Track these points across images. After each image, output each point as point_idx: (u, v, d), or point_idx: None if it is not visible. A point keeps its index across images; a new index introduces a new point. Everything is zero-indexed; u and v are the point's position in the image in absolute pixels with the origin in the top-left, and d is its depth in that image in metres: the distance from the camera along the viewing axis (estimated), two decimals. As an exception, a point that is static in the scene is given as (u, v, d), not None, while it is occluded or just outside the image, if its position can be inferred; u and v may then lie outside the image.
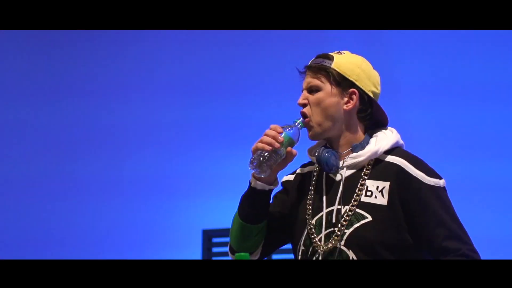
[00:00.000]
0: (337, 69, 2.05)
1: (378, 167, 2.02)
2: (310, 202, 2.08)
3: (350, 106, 2.06)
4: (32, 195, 5.10)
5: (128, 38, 5.07)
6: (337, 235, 1.99)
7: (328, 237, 2.01)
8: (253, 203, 2.07)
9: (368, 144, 2.05)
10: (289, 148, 2.02)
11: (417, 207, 1.98)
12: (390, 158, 2.03)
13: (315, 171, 2.11)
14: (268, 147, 2.01)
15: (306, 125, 2.07)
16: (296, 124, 2.05)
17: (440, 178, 2.02)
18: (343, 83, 2.05)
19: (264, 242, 2.12)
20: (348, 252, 1.98)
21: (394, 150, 2.05)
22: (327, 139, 2.09)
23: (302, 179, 2.15)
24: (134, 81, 5.18)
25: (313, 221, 2.04)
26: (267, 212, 2.09)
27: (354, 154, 2.04)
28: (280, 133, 2.02)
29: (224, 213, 4.97)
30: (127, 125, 5.15)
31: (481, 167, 4.43)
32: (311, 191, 2.09)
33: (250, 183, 2.09)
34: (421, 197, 1.98)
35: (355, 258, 1.97)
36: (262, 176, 2.04)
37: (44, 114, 5.17)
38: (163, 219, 5.04)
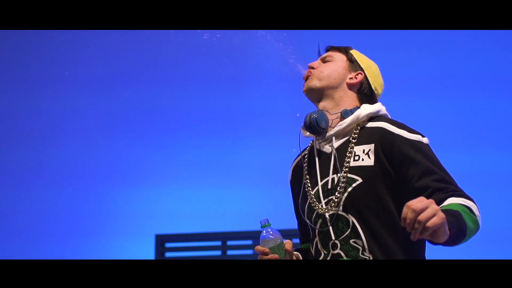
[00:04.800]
0: (354, 55, 2.34)
1: (363, 133, 2.20)
2: (307, 177, 2.26)
3: (352, 82, 2.30)
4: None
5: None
6: (334, 202, 2.14)
7: (327, 205, 2.17)
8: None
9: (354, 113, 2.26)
10: (286, 248, 2.16)
11: (403, 160, 2.11)
12: (373, 124, 2.21)
13: (306, 152, 2.32)
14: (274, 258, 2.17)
15: (307, 79, 2.30)
16: (263, 228, 2.15)
17: (422, 136, 2.16)
18: (355, 64, 2.32)
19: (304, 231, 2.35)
20: (347, 216, 2.13)
21: (377, 117, 2.24)
22: (323, 100, 2.29)
23: (299, 165, 2.34)
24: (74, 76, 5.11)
25: (313, 193, 2.21)
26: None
27: (340, 122, 2.23)
28: (267, 252, 2.14)
29: (178, 218, 4.96)
30: (76, 132, 5.07)
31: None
32: (305, 169, 2.28)
33: None
34: (406, 151, 2.11)
35: (354, 221, 2.12)
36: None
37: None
38: (115, 223, 4.93)
